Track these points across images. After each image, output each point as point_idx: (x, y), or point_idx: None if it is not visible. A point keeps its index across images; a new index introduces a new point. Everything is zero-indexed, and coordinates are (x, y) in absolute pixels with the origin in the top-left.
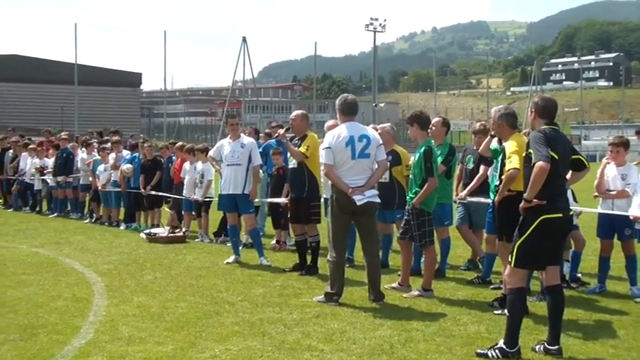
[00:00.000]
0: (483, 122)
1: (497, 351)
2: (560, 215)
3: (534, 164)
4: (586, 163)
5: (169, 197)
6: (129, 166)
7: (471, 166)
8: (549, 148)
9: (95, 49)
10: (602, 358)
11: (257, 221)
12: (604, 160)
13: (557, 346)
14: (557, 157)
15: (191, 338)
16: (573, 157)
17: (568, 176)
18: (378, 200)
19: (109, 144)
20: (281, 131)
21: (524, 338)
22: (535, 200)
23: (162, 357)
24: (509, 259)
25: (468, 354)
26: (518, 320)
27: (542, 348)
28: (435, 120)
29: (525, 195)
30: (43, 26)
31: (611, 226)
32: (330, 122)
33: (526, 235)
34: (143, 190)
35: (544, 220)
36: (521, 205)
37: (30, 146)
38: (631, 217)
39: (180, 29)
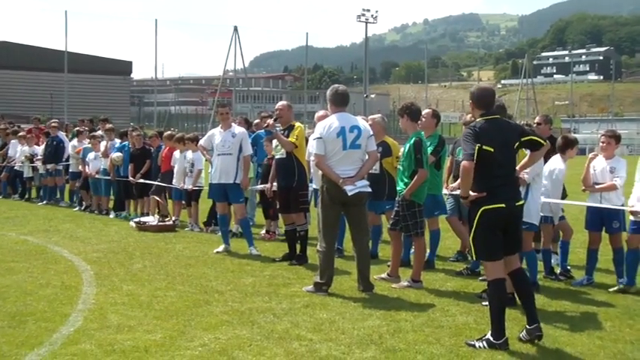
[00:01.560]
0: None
1: (484, 342)
2: (503, 205)
3: (461, 162)
4: (541, 141)
5: (158, 185)
6: (119, 154)
7: (461, 158)
8: (480, 144)
9: (86, 36)
10: (589, 349)
11: (247, 211)
12: (590, 155)
13: (535, 324)
14: (492, 149)
15: (180, 327)
16: (524, 138)
17: (525, 160)
18: (370, 190)
19: (100, 132)
20: (270, 121)
21: (512, 330)
22: (472, 193)
23: (151, 345)
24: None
25: (456, 344)
26: (498, 311)
27: (524, 333)
28: (425, 111)
29: (460, 192)
30: (33, 13)
31: (600, 219)
32: (321, 113)
33: (473, 228)
34: (132, 179)
35: (485, 211)
36: (462, 200)
37: (19, 134)
38: (630, 211)
39: (172, 18)
